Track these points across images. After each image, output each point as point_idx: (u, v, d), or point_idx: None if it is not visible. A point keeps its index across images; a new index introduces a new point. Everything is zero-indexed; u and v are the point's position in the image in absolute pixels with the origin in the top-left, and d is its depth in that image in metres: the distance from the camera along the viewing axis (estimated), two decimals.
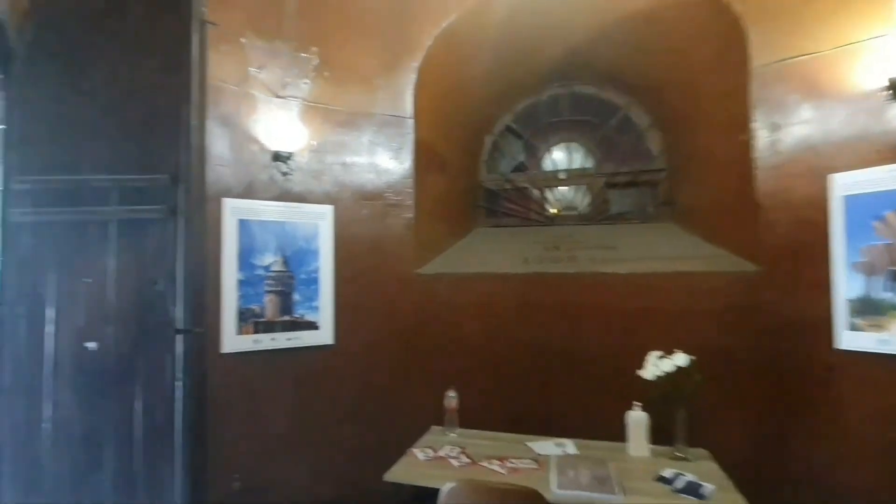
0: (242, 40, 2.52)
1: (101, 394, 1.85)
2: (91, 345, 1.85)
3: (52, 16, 1.99)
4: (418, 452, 2.12)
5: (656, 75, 2.99)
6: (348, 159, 2.82)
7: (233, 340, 2.44)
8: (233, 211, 2.48)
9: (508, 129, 3.57)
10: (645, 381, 2.06)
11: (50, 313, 1.88)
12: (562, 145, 3.54)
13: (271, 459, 2.48)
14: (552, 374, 2.73)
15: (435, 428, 2.41)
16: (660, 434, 2.11)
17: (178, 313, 1.86)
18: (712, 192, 2.78)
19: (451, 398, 2.37)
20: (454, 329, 2.88)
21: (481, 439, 2.26)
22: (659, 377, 2.03)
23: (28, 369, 1.88)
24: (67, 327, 1.87)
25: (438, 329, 2.88)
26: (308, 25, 2.67)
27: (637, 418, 2.07)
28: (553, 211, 3.43)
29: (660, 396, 2.02)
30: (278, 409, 2.52)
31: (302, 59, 2.68)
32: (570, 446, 2.18)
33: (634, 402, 2.08)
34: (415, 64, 2.89)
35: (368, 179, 2.86)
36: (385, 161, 2.90)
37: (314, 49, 2.69)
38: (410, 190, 2.92)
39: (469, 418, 2.38)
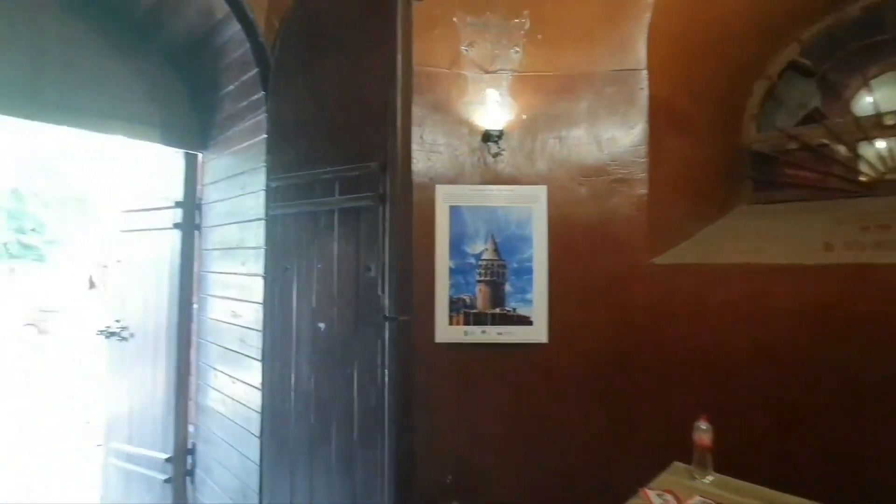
0: (454, 19, 2.42)
1: (329, 371, 1.99)
2: (321, 325, 2.02)
3: (293, 32, 2.24)
4: (654, 496, 1.62)
5: None
6: (563, 131, 2.45)
7: (444, 331, 2.39)
8: (444, 197, 2.42)
9: (793, 66, 2.58)
10: None
11: (295, 294, 2.13)
12: (889, 76, 2.36)
13: (481, 458, 2.34)
14: (887, 424, 1.79)
15: (677, 465, 1.84)
16: None
17: (387, 300, 1.85)
18: None
19: (704, 431, 1.76)
20: (704, 337, 2.20)
21: (751, 498, 1.61)
22: None
23: (281, 341, 2.17)
24: (305, 307, 2.09)
25: (681, 335, 2.25)
26: None
27: None
28: (869, 174, 2.31)
29: None
30: (488, 406, 2.36)
31: (512, 26, 2.43)
32: None
33: None
34: (649, 1, 2.30)
35: (588, 152, 2.42)
36: (608, 128, 2.41)
37: (525, 12, 2.41)
38: (643, 160, 2.36)
39: (726, 461, 1.74)
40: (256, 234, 2.40)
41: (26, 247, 16.62)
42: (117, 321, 3.24)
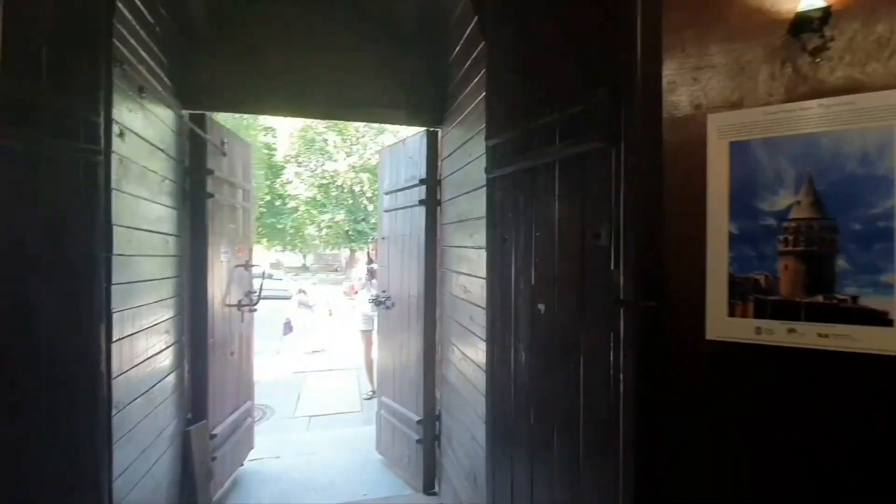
0: None
1: (550, 365, 1.61)
2: (541, 307, 1.64)
3: None
4: None
5: None
6: None
7: (721, 324, 1.66)
8: (721, 130, 1.66)
9: None
10: None
11: (513, 268, 1.82)
12: None
13: None
14: None
15: None
16: None
17: (622, 278, 1.33)
18: None
19: None
20: None
21: None
22: None
23: (501, 323, 1.90)
24: (524, 284, 1.75)
25: None
26: None
27: None
28: None
29: None
30: (801, 447, 1.53)
31: None
32: None
33: None
34: None
35: None
36: None
37: None
38: None
39: None
40: (480, 203, 2.20)
41: (359, 232, 21.86)
42: (383, 291, 3.66)
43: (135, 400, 2.06)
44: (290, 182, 22.92)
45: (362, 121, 3.04)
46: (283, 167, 22.78)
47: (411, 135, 3.33)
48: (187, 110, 2.70)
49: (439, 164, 3.12)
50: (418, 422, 3.09)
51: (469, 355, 2.38)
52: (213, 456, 2.88)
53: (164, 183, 2.42)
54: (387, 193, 3.63)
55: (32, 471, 1.39)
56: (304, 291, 10.75)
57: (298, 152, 22.56)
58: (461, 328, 2.54)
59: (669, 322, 1.49)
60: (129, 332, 2.00)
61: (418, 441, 3.08)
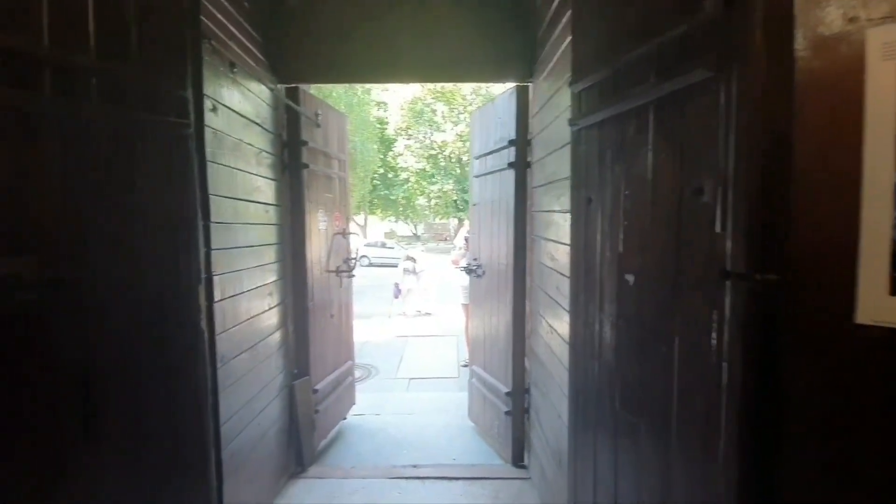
0: None
1: (638, 345, 1.39)
2: (629, 277, 1.41)
3: None
4: None
5: None
6: None
7: (879, 304, 1.28)
8: (886, 49, 1.24)
9: None
10: None
11: (598, 233, 1.59)
12: None
13: None
14: None
15: None
16: None
17: (729, 244, 1.06)
18: None
19: None
20: None
21: None
22: None
23: (585, 294, 1.70)
24: (610, 252, 1.52)
25: None
26: None
27: None
28: None
29: None
30: None
31: None
32: None
33: None
34: None
35: None
36: None
37: None
38: None
39: None
40: (567, 162, 1.97)
41: (467, 202, 22.08)
42: (475, 259, 3.58)
43: (239, 355, 2.27)
44: (401, 154, 23.89)
45: (448, 81, 2.94)
46: (394, 140, 23.79)
47: (501, 93, 3.12)
48: (282, 84, 2.82)
49: (529, 122, 2.88)
50: (507, 393, 3.01)
51: (556, 328, 2.21)
52: (315, 409, 3.11)
53: (261, 155, 2.57)
54: (477, 158, 3.49)
55: (150, 409, 1.58)
56: (411, 258, 11.11)
57: (408, 125, 23.33)
58: (549, 299, 2.36)
59: (796, 300, 1.18)
60: (231, 294, 2.18)
61: (507, 413, 3.01)
